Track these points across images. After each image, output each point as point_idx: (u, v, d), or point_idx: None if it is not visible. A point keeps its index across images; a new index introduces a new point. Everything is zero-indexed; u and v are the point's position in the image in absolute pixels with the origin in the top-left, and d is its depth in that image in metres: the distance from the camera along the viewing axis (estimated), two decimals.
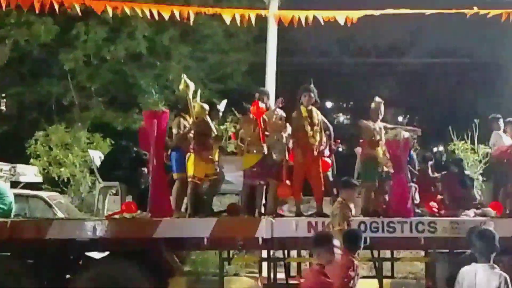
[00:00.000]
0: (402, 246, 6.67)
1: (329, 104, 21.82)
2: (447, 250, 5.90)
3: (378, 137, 6.22)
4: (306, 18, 8.91)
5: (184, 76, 6.59)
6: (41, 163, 10.36)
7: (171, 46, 12.50)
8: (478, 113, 12.77)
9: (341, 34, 17.52)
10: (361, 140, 6.76)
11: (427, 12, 9.41)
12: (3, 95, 13.84)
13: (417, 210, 6.30)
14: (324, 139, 6.34)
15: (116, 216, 6.31)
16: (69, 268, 6.40)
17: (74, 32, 11.87)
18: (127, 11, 8.42)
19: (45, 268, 6.30)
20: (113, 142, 11.29)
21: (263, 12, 9.29)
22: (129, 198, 7.20)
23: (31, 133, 11.46)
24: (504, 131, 7.11)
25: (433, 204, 6.48)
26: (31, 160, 10.75)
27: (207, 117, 6.28)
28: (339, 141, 7.85)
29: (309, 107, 6.22)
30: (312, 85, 6.50)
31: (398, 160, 6.21)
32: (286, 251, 6.83)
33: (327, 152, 6.61)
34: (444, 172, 7.49)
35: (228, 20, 9.28)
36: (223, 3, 11.80)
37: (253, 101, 6.29)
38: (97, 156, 7.79)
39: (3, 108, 14.33)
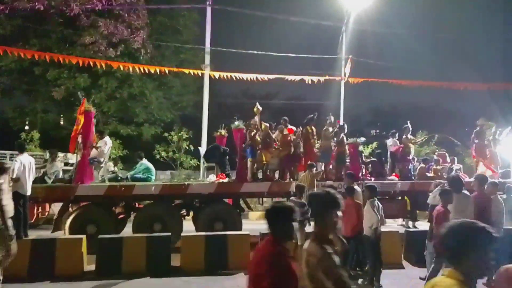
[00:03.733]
0: None
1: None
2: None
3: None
4: (225, 76, 16.82)
5: (257, 104, 10.84)
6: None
7: (152, 91, 20.80)
8: None
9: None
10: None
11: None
12: (62, 115, 21.40)
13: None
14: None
15: (216, 181, 10.38)
16: (195, 207, 10.57)
17: (99, 82, 19.16)
18: (130, 69, 17.02)
19: (185, 207, 10.57)
20: (120, 142, 19.16)
21: (203, 72, 17.10)
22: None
23: None
24: (398, 139, 12.16)
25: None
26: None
27: (269, 131, 10.65)
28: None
29: (312, 127, 10.93)
30: (314, 117, 11.11)
31: (353, 153, 11.15)
32: None
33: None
34: (373, 159, 12.40)
35: (185, 76, 18.78)
36: (184, 65, 20.14)
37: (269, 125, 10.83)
38: (202, 150, 12.63)
39: (61, 123, 21.44)
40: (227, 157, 11.48)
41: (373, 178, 11.29)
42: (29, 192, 8.32)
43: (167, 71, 17.11)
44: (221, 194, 10.39)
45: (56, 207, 11.06)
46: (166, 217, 9.78)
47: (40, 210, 10.13)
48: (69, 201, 9.89)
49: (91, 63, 15.18)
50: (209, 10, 17.73)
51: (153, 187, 9.96)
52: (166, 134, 18.30)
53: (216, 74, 16.67)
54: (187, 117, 23.14)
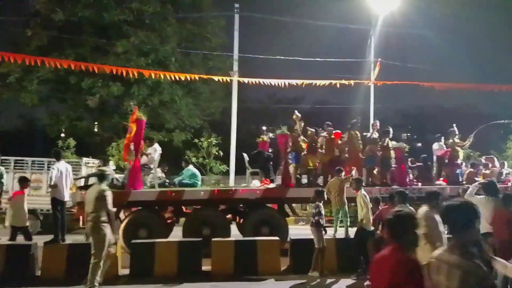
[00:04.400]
0: None
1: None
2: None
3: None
4: (253, 82, 16.46)
5: (296, 111, 10.93)
6: (115, 159, 16.19)
7: (182, 98, 21.10)
8: None
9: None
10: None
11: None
12: (96, 123, 22.03)
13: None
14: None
15: (262, 187, 10.47)
16: (241, 213, 10.77)
17: (132, 90, 19.65)
18: (162, 76, 17.15)
19: (231, 212, 10.75)
20: None
21: (231, 78, 17.57)
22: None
23: (110, 143, 18.46)
24: (445, 143, 11.91)
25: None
26: (110, 157, 18.33)
27: (315, 136, 10.92)
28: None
29: (356, 132, 11.01)
30: (356, 121, 11.27)
31: (399, 158, 11.18)
32: None
33: None
34: (419, 164, 12.23)
35: (213, 83, 19.04)
36: (212, 72, 20.33)
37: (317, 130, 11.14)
38: (246, 156, 11.81)
39: (95, 130, 22.14)
40: (271, 162, 11.56)
41: (419, 183, 11.12)
42: (66, 198, 8.73)
43: (197, 78, 17.36)
44: (267, 199, 10.44)
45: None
46: (214, 222, 9.95)
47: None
48: (122, 206, 10.12)
49: (124, 72, 15.57)
50: (237, 18, 17.95)
51: (202, 192, 10.18)
52: (196, 140, 18.57)
53: (245, 80, 16.78)
54: (215, 123, 23.42)
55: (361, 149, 11.02)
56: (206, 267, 8.42)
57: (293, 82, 16.86)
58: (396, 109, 37.40)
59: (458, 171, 11.74)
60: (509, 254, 6.11)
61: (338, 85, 17.62)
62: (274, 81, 16.52)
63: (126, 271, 8.25)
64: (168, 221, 10.66)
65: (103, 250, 6.75)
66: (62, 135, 20.45)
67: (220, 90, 22.31)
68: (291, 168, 10.74)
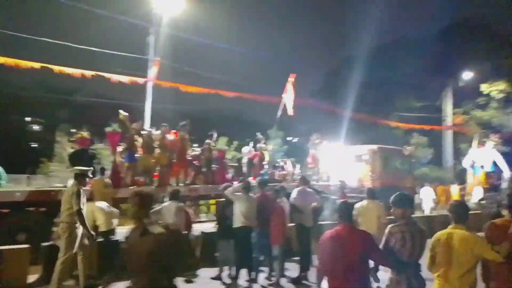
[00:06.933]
0: None
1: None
2: None
3: None
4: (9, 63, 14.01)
5: (121, 111, 10.83)
6: None
7: None
8: None
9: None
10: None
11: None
12: None
13: None
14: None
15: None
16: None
17: None
18: None
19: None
20: None
21: None
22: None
23: None
24: (254, 147, 13.93)
25: None
26: None
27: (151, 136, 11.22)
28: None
29: (186, 134, 11.85)
30: (185, 123, 12.08)
31: (221, 158, 12.48)
32: None
33: None
34: (235, 164, 14.22)
35: None
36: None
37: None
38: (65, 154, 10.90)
39: None
40: (95, 160, 11.34)
41: (236, 182, 12.04)
42: None
43: None
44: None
45: None
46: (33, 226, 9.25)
47: None
48: None
49: None
50: None
51: (18, 193, 9.30)
52: None
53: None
54: None
55: (188, 150, 11.95)
56: None
57: (63, 69, 15.11)
58: (177, 111, 38.50)
59: (263, 171, 13.51)
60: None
61: (114, 80, 16.73)
62: (37, 65, 14.28)
63: None
64: None
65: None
66: None
67: None
68: (124, 167, 10.91)
